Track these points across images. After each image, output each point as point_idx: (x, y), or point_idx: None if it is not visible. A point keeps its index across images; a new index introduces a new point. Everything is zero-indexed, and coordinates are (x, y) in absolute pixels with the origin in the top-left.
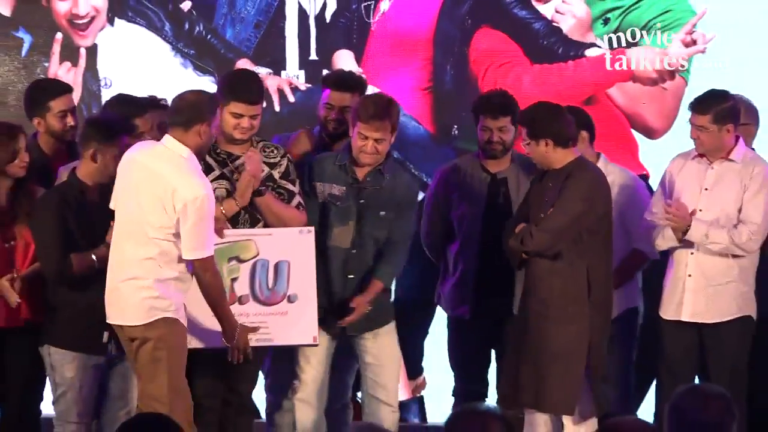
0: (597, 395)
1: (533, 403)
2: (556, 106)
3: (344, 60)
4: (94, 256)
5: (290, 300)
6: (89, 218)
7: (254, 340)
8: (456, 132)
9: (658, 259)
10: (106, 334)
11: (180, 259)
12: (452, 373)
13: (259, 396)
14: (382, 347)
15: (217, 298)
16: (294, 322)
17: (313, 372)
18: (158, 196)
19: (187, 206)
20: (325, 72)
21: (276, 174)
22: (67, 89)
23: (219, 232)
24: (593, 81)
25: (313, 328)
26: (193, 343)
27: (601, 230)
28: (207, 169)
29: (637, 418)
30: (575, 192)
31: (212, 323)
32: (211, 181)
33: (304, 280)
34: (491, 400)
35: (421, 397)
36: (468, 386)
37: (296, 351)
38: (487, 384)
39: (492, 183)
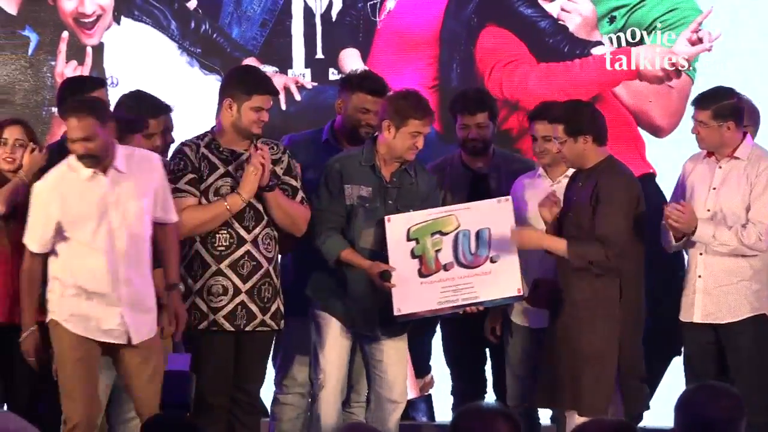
0: (628, 396)
1: (572, 404)
2: (589, 102)
3: (350, 58)
4: None
5: (492, 261)
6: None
7: (461, 299)
8: None
9: (663, 262)
10: None
11: (54, 259)
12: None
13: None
14: (392, 345)
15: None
16: (497, 280)
17: (334, 370)
18: None
19: None
20: (333, 71)
21: (279, 170)
22: (102, 83)
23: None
24: (599, 79)
25: (516, 282)
26: (404, 308)
27: (636, 220)
28: (211, 168)
29: (604, 419)
30: (618, 194)
31: (417, 288)
32: (216, 180)
33: (504, 243)
34: (490, 397)
35: (429, 396)
36: (465, 385)
37: (314, 349)
38: (485, 382)
39: (473, 180)
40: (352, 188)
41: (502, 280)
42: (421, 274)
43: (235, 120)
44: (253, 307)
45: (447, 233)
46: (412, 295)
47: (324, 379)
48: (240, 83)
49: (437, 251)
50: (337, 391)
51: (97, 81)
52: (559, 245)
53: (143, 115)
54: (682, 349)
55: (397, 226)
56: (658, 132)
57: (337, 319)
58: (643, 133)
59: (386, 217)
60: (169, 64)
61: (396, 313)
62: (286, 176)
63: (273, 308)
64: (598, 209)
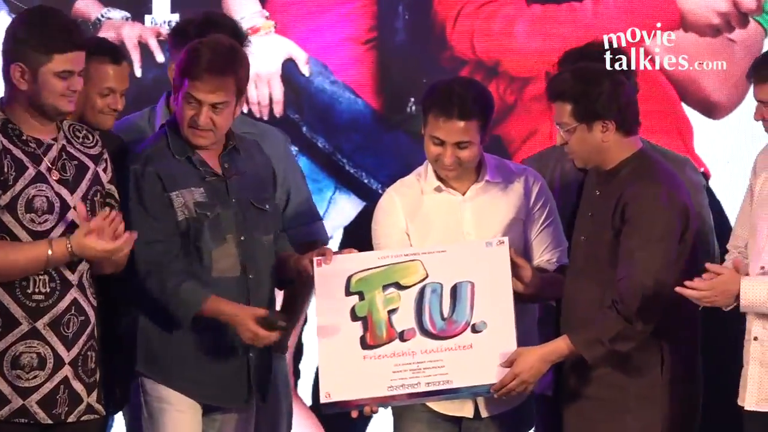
0: None
1: None
2: (612, 70)
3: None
4: None
5: (475, 329)
6: None
7: (424, 384)
8: (413, 108)
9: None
10: None
11: None
12: None
13: None
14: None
15: None
16: (483, 357)
17: None
18: None
19: None
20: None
21: (103, 175)
22: None
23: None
24: (621, 29)
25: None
26: (337, 393)
27: (682, 255)
28: (18, 169)
29: None
30: (653, 213)
31: (358, 365)
32: (27, 186)
33: (495, 304)
34: None
35: None
36: None
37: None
38: None
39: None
40: (182, 195)
41: (489, 360)
42: (365, 345)
43: (32, 95)
44: (78, 386)
45: (407, 287)
46: (349, 374)
47: None
48: (31, 38)
49: (391, 312)
50: None
51: None
52: (561, 346)
53: None
54: None
55: (331, 272)
56: (712, 111)
57: (187, 396)
58: (691, 113)
59: (315, 259)
60: None
61: (324, 399)
62: (111, 184)
63: (97, 383)
64: (623, 234)
